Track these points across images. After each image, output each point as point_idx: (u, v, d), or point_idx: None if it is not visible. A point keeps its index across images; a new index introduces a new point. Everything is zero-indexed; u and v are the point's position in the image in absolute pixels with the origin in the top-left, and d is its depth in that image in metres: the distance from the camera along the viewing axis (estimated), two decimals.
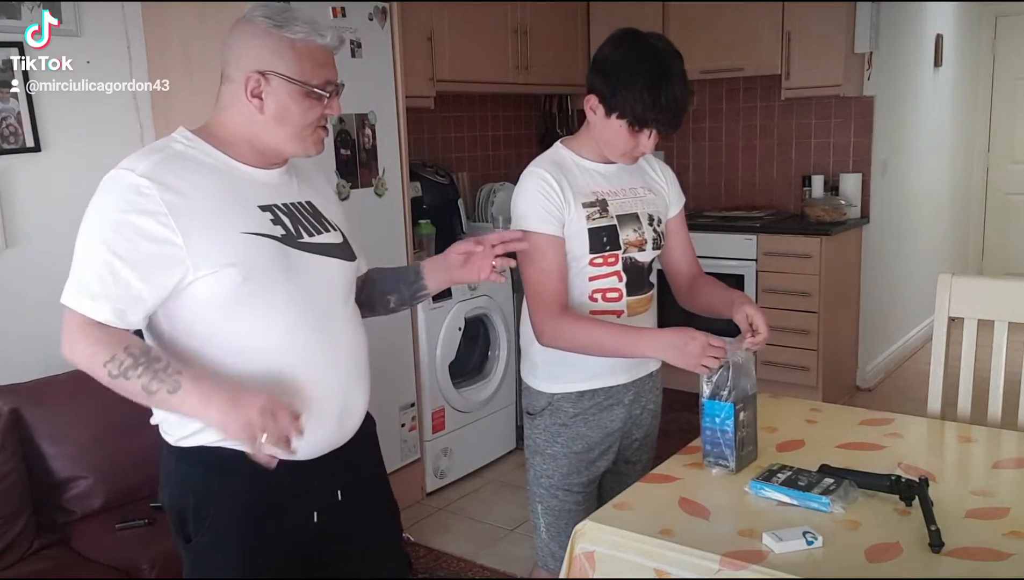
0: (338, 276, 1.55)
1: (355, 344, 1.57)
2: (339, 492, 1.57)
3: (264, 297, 1.42)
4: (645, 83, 1.68)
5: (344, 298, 1.57)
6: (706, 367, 1.65)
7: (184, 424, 1.45)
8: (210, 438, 1.43)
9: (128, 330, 1.38)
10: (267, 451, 1.34)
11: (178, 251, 1.35)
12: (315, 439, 1.48)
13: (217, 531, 1.47)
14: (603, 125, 1.78)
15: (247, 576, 1.49)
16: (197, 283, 1.37)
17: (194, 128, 1.48)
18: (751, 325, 1.72)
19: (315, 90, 1.44)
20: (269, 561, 1.51)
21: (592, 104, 1.77)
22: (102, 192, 1.37)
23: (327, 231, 1.55)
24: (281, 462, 1.41)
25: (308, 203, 1.55)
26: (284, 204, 1.49)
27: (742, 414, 1.66)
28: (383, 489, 1.73)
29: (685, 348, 1.66)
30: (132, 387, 1.34)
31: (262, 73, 1.41)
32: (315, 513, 1.54)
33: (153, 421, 1.50)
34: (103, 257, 1.34)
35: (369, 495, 1.67)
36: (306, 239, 1.49)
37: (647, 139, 1.76)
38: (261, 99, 1.43)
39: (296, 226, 1.49)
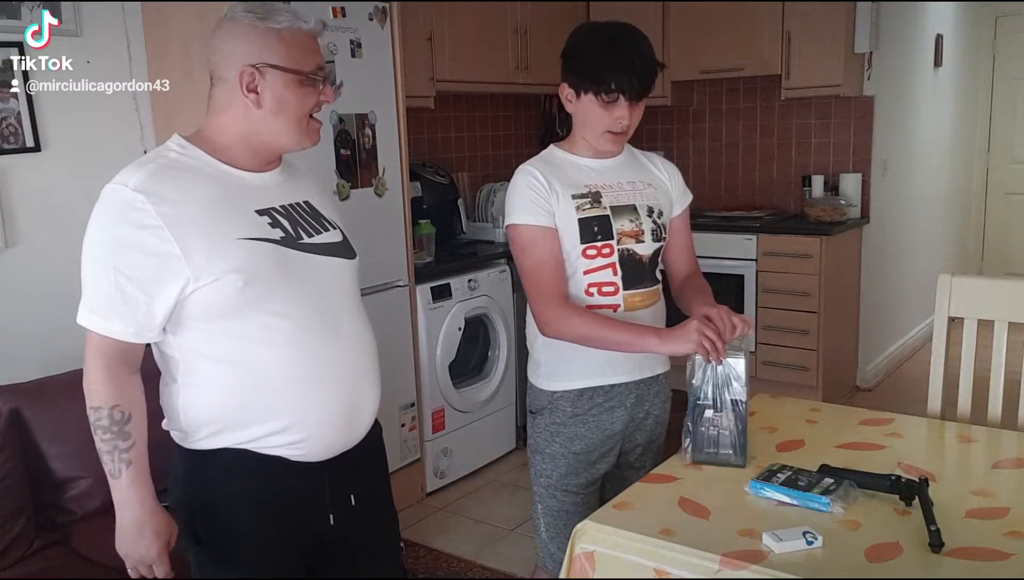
0: (341, 275, 1.55)
1: (362, 343, 1.56)
2: (352, 497, 1.57)
3: (267, 301, 1.41)
4: (599, 47, 1.75)
5: (348, 296, 1.56)
6: (703, 347, 1.63)
7: (196, 429, 1.45)
8: (221, 441, 1.44)
9: (139, 360, 1.42)
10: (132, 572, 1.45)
11: (177, 262, 1.34)
12: (325, 439, 1.48)
13: (228, 531, 1.47)
14: (578, 109, 1.81)
15: (258, 577, 1.49)
16: (199, 292, 1.37)
17: (189, 134, 1.47)
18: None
19: (309, 76, 1.43)
20: (280, 562, 1.50)
21: (565, 93, 1.82)
22: (99, 209, 1.37)
23: (327, 230, 1.54)
24: (292, 463, 1.45)
25: (306, 203, 1.54)
26: (282, 206, 1.49)
27: (708, 412, 1.68)
28: (388, 497, 1.73)
29: (684, 327, 1.68)
30: (96, 443, 1.41)
31: (255, 67, 1.40)
32: (331, 516, 1.53)
33: (164, 426, 1.50)
34: (109, 276, 1.35)
35: (377, 503, 1.67)
36: (306, 240, 1.49)
37: (619, 107, 1.76)
38: (257, 93, 1.42)
39: (295, 228, 1.48)
